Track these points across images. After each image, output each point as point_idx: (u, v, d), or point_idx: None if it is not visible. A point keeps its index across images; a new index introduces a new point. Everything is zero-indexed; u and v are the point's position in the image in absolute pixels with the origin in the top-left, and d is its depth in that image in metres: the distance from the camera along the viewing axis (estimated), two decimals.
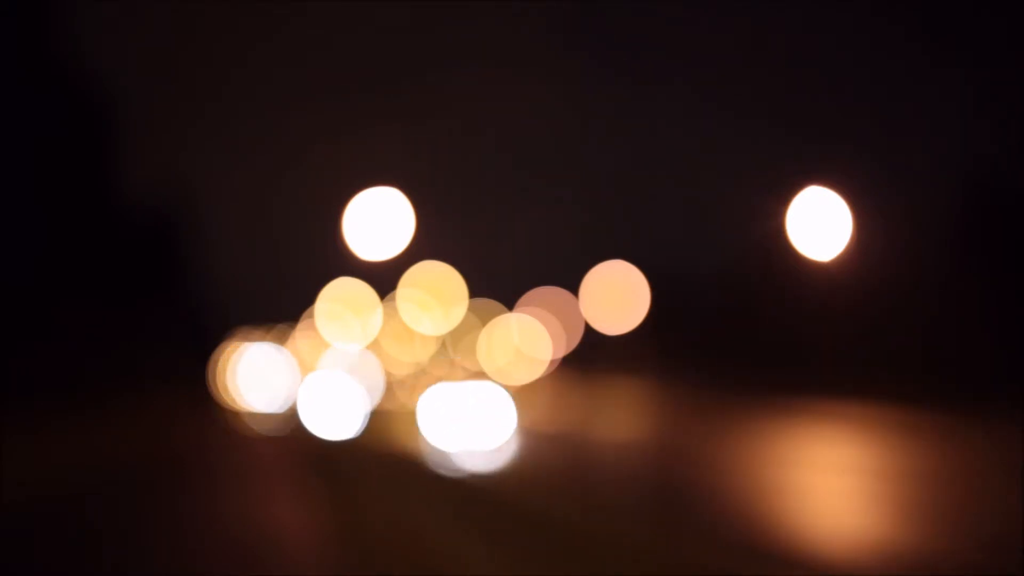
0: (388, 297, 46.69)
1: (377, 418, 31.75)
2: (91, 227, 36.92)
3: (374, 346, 47.04)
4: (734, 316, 38.50)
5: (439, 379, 36.69)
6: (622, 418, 31.86)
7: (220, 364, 43.92)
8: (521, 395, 42.91)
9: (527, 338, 50.04)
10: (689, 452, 23.45)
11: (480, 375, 43.59)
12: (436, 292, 46.81)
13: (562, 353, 48.58)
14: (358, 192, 36.47)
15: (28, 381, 30.19)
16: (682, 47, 45.63)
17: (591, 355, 45.24)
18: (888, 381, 28.39)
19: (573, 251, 46.55)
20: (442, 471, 18.82)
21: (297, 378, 39.64)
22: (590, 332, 45.76)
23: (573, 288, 45.15)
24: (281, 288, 46.54)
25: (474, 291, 46.99)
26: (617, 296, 43.78)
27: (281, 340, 50.66)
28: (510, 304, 49.60)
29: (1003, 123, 30.83)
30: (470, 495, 15.70)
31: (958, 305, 29.02)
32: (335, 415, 30.84)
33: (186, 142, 45.21)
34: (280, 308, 48.24)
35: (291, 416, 33.98)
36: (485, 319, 50.38)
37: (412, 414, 27.75)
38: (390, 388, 41.69)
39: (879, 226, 31.06)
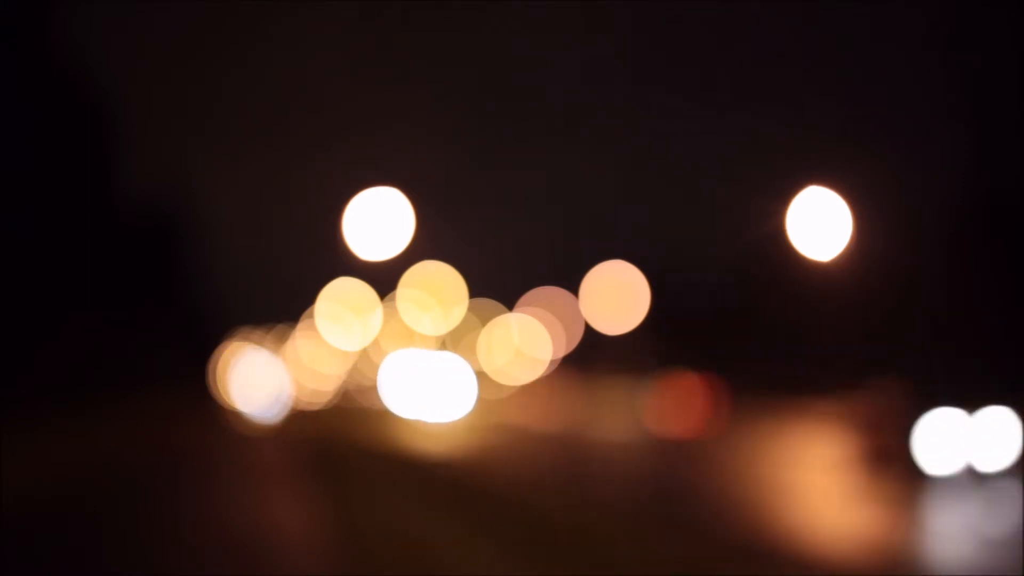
0: (388, 297, 46.73)
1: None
2: (92, 228, 36.92)
3: None
4: (734, 316, 38.52)
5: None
6: (621, 418, 31.88)
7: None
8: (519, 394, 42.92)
9: (527, 338, 50.04)
10: (688, 451, 23.48)
11: None
12: (436, 292, 46.80)
13: (562, 353, 48.56)
14: (358, 192, 36.42)
15: (28, 381, 30.19)
16: (683, 46, 45.66)
17: (591, 355, 45.23)
18: (887, 380, 28.37)
19: (573, 251, 46.52)
20: None
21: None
22: (590, 332, 45.73)
23: (573, 288, 45.13)
24: (281, 288, 46.57)
25: (474, 291, 47.00)
26: (617, 296, 43.75)
27: (281, 341, 50.72)
28: (510, 304, 49.62)
29: (1003, 123, 30.85)
30: (470, 495, 15.70)
31: (957, 305, 29.04)
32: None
33: (186, 142, 45.24)
34: (280, 308, 48.30)
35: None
36: (485, 319, 50.41)
37: None
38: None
39: (879, 226, 31.05)
